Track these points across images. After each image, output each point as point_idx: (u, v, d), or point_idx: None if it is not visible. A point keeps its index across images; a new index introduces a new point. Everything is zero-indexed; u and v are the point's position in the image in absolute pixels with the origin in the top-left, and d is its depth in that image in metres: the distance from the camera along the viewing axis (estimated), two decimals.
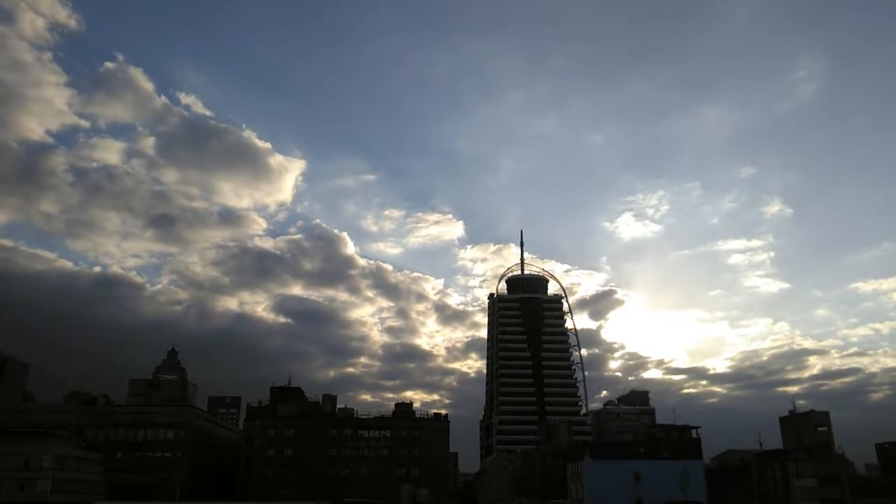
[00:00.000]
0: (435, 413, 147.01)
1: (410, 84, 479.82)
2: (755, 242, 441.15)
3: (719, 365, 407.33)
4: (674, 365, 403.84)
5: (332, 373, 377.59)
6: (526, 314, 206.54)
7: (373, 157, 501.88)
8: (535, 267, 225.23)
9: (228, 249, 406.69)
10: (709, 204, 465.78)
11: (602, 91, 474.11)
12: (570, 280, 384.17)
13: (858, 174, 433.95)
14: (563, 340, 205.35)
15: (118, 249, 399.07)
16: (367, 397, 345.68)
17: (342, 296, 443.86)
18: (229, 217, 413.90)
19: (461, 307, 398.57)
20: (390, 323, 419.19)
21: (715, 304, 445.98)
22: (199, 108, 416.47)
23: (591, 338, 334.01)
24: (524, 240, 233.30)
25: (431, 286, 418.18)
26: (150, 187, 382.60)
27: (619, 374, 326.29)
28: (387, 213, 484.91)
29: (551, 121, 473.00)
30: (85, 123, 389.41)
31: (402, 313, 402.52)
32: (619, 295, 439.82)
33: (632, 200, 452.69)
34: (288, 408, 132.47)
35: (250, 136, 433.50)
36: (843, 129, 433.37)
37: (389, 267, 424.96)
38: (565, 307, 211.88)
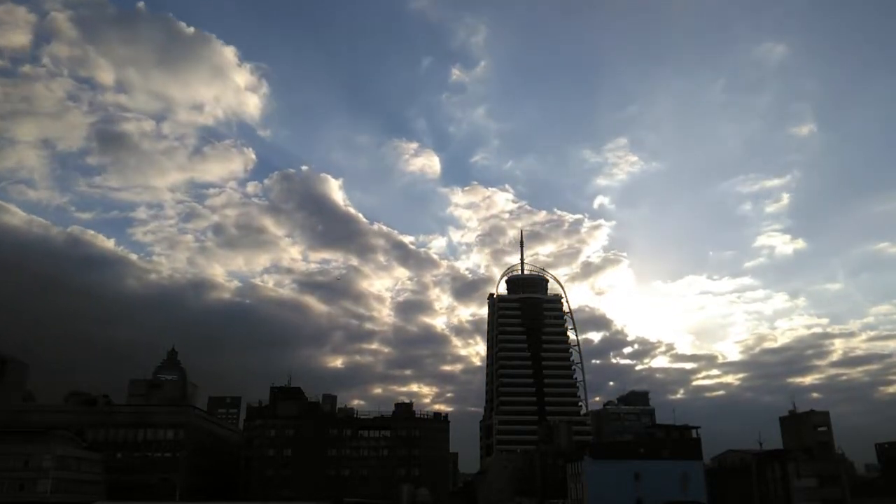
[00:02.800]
0: (435, 413, 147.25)
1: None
2: (773, 181, 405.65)
3: (730, 351, 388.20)
4: (681, 351, 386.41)
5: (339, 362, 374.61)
6: (526, 314, 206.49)
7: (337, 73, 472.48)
8: (535, 267, 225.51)
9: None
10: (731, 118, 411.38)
11: None
12: (566, 243, 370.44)
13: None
14: (563, 340, 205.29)
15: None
16: (378, 391, 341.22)
17: (351, 259, 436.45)
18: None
19: (471, 277, 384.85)
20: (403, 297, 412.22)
21: (722, 268, 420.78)
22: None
23: (594, 320, 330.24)
24: (523, 239, 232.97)
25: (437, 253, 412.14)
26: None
27: (625, 362, 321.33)
28: (360, 139, 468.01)
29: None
30: None
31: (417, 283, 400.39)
32: (619, 266, 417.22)
33: (627, 121, 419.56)
34: (288, 408, 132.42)
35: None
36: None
37: (392, 230, 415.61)
38: (565, 307, 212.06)
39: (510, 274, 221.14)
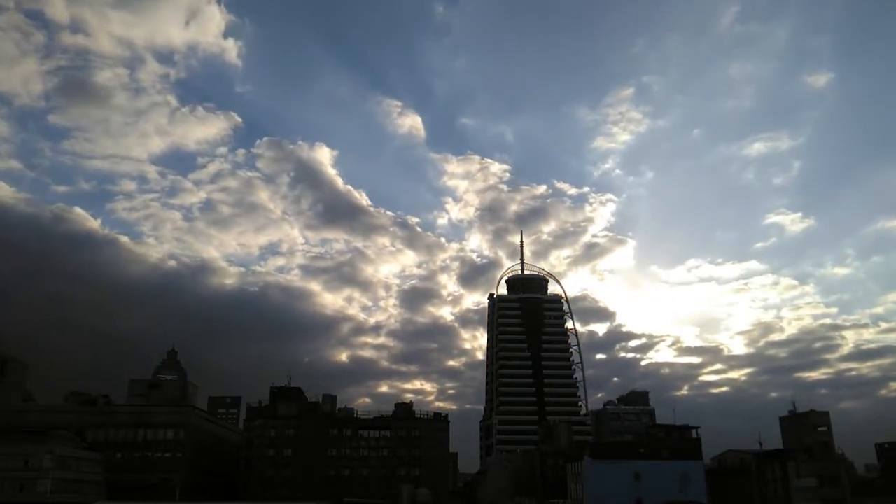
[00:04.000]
0: (435, 413, 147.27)
1: None
2: (784, 143, 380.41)
3: (735, 343, 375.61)
4: (687, 343, 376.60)
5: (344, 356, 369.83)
6: (526, 314, 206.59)
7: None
8: (535, 267, 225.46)
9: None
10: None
11: None
12: (569, 221, 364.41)
13: None
14: (563, 340, 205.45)
15: None
16: (384, 388, 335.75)
17: (355, 241, 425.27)
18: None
19: (478, 260, 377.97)
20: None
21: (728, 250, 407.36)
22: None
23: (598, 311, 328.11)
24: (524, 240, 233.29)
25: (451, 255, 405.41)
26: None
27: (629, 356, 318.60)
28: (342, 92, 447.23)
29: None
30: None
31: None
32: (623, 248, 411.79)
33: (631, 61, 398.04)
34: (288, 408, 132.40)
35: None
36: None
37: (395, 213, 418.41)
38: (565, 307, 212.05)
39: (510, 274, 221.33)
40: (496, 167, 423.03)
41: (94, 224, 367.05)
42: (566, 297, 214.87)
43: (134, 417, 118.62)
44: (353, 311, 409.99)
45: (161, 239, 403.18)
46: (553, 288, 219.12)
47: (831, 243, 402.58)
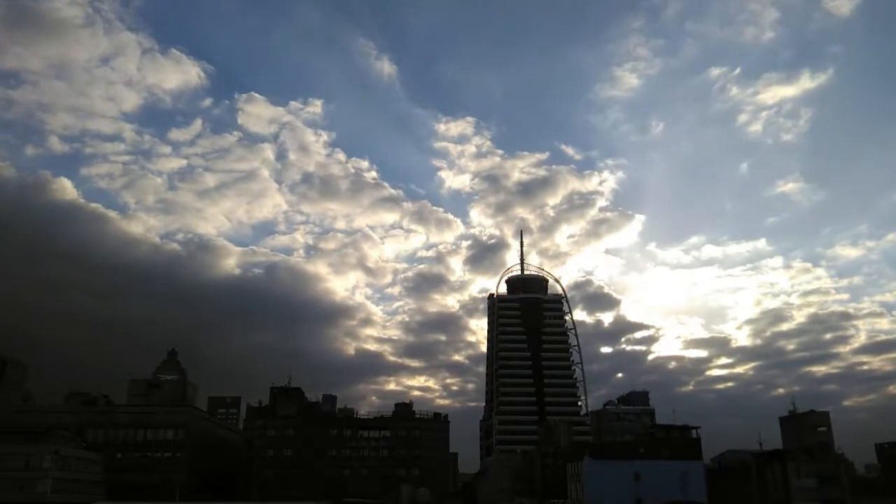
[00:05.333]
0: (435, 413, 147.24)
1: None
2: (800, 84, 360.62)
3: (742, 333, 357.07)
4: (693, 333, 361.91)
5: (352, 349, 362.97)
6: (526, 314, 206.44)
7: None
8: (534, 267, 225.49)
9: None
10: None
11: None
12: (576, 191, 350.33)
13: None
14: (563, 340, 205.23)
15: None
16: (391, 385, 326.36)
17: (356, 219, 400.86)
18: None
19: (485, 239, 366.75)
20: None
21: (732, 226, 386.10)
22: None
23: (604, 299, 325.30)
24: (523, 240, 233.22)
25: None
26: None
27: (635, 348, 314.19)
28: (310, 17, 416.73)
29: None
30: None
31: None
32: (630, 224, 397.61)
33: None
34: (288, 408, 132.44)
35: None
36: None
37: (398, 188, 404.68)
38: (565, 307, 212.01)
39: (510, 274, 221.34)
40: (489, 132, 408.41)
41: (73, 194, 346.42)
42: (566, 296, 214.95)
43: (134, 417, 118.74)
44: (360, 298, 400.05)
45: (149, 210, 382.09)
46: (553, 288, 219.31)
47: (843, 219, 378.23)
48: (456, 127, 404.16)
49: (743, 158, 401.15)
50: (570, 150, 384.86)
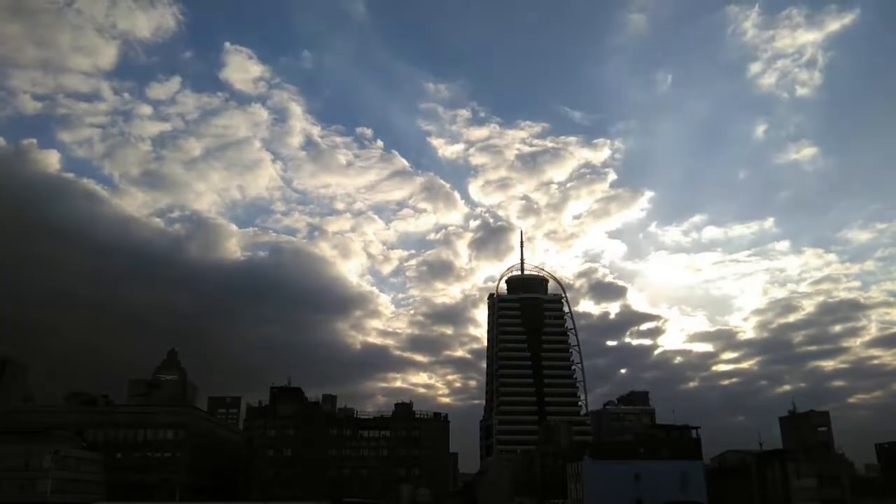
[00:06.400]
0: (435, 413, 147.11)
1: None
2: (812, 35, 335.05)
3: (749, 323, 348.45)
4: (697, 328, 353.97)
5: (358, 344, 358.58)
6: (526, 314, 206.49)
7: None
8: (534, 266, 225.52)
9: None
10: None
11: None
12: (581, 160, 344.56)
13: None
14: (563, 340, 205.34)
15: None
16: (398, 383, 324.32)
17: (359, 198, 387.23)
18: None
19: (491, 220, 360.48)
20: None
21: (740, 203, 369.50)
22: None
23: (609, 288, 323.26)
24: (523, 240, 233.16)
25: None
26: None
27: (640, 342, 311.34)
28: None
29: None
30: None
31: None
32: (637, 202, 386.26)
33: None
34: (288, 408, 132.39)
35: None
36: None
37: (399, 156, 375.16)
38: (565, 307, 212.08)
39: (510, 274, 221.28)
40: (482, 97, 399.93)
41: (56, 164, 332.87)
42: (566, 296, 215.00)
43: (134, 417, 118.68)
44: (366, 285, 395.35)
45: (135, 183, 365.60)
46: (553, 288, 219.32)
47: (855, 196, 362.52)
48: (446, 89, 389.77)
49: (756, 118, 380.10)
50: (575, 115, 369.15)
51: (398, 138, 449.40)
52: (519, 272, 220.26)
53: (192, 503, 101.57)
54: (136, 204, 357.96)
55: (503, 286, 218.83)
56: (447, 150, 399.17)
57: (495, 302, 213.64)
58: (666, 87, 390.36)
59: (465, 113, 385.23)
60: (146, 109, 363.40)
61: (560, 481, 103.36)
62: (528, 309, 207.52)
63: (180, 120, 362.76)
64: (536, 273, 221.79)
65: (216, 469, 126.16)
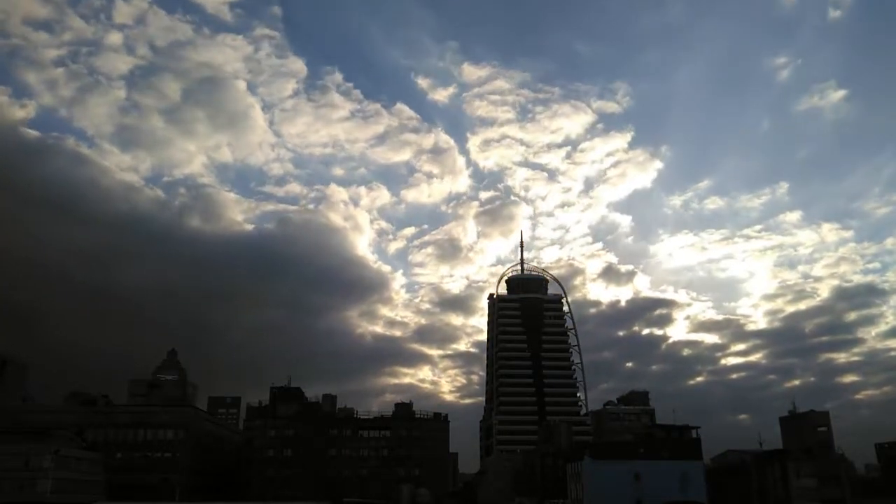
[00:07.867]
0: (434, 413, 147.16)
1: None
2: None
3: (759, 310, 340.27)
4: (705, 316, 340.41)
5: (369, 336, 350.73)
6: (526, 314, 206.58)
7: None
8: (535, 267, 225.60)
9: None
10: None
11: None
12: (586, 119, 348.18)
13: None
14: (563, 340, 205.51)
15: None
16: (406, 373, 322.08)
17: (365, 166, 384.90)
18: None
19: (496, 198, 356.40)
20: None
21: (755, 158, 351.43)
22: None
23: (618, 273, 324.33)
24: (523, 239, 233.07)
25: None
26: None
27: (648, 331, 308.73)
28: None
29: None
30: None
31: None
32: (646, 171, 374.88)
33: None
34: (288, 408, 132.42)
35: None
36: None
37: (403, 108, 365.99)
38: (565, 307, 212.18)
39: (510, 274, 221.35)
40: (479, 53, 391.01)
41: (24, 115, 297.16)
42: (566, 297, 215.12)
43: (134, 417, 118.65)
44: (373, 263, 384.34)
45: (111, 140, 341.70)
46: (553, 288, 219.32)
47: (875, 156, 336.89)
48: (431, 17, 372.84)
49: (779, 51, 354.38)
50: (583, 48, 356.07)
51: (379, 76, 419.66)
52: (519, 272, 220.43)
53: (191, 503, 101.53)
54: (115, 165, 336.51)
55: (503, 286, 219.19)
56: (437, 94, 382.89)
57: (495, 302, 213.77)
58: (680, 12, 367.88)
59: (454, 45, 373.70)
60: (115, 37, 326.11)
61: (560, 481, 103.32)
62: (528, 309, 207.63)
63: (151, 52, 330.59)
64: (536, 273, 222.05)
65: (216, 469, 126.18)
